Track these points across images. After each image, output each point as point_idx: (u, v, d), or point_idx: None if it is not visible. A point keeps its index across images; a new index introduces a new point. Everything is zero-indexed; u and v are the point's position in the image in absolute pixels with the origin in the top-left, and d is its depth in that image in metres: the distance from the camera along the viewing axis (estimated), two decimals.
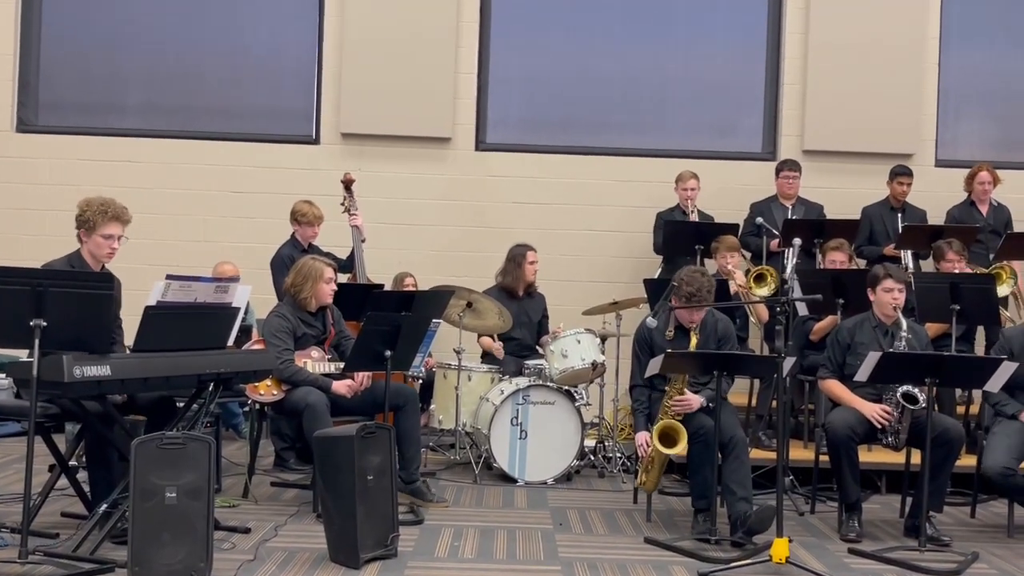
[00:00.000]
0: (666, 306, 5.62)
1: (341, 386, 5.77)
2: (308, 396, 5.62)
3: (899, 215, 8.09)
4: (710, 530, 5.19)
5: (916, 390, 5.31)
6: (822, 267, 7.18)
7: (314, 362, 5.85)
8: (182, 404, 5.13)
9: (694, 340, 5.52)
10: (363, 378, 5.85)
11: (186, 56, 9.21)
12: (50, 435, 5.04)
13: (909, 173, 8.21)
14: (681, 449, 5.35)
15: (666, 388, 5.47)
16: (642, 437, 5.54)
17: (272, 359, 5.38)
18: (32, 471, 4.26)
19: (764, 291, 7.10)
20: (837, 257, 7.01)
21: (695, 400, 5.42)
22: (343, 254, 7.09)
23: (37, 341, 4.15)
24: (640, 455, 5.64)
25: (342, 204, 7.34)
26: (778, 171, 8.34)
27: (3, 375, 6.64)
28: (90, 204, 4.94)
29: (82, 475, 5.20)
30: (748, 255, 7.96)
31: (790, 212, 8.15)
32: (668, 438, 5.37)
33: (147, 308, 4.50)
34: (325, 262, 6.06)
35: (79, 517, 5.10)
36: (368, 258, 7.37)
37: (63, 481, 5.11)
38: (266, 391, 5.71)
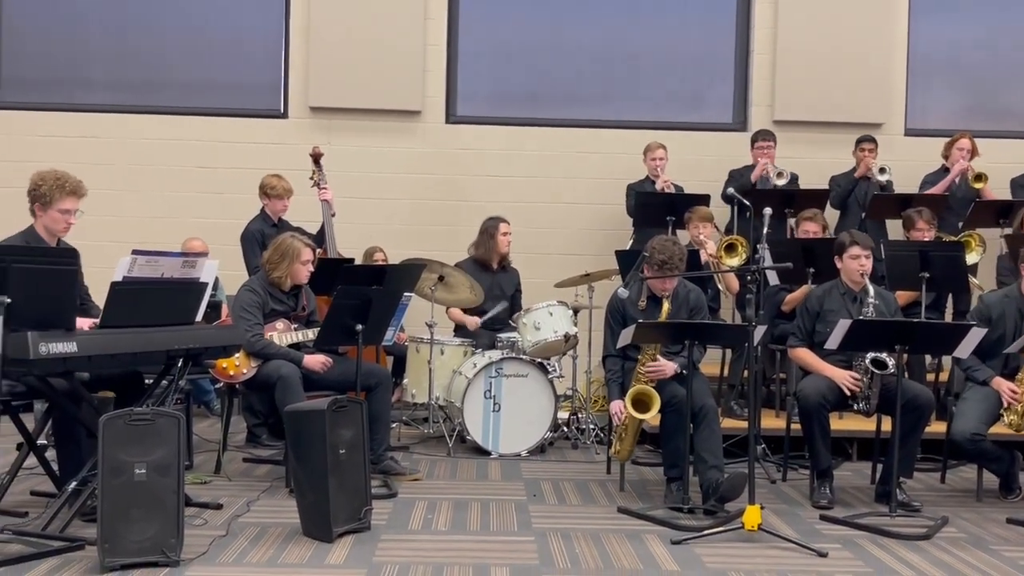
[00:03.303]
0: (638, 276, 5.62)
1: (314, 362, 5.74)
2: (280, 369, 5.58)
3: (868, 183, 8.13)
4: (683, 499, 5.21)
5: (885, 355, 5.35)
6: (795, 236, 7.20)
7: (280, 333, 5.81)
8: (151, 381, 5.09)
9: (666, 307, 5.53)
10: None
11: (151, 30, 9.07)
12: (18, 414, 4.99)
13: (873, 140, 8.24)
14: (654, 415, 5.36)
15: (639, 356, 5.47)
16: (616, 406, 5.55)
17: (241, 334, 5.34)
18: None
19: (735, 261, 7.11)
20: (811, 228, 7.02)
21: (669, 367, 5.43)
22: (313, 228, 7.03)
23: (1, 318, 4.09)
24: (614, 424, 5.65)
25: (311, 178, 7.28)
26: (753, 141, 8.35)
27: None
28: (45, 178, 4.86)
29: (51, 454, 5.16)
30: (720, 227, 7.98)
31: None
32: (641, 404, 5.37)
33: (113, 284, 4.43)
34: (304, 242, 5.98)
35: (48, 495, 5.05)
36: (338, 232, 7.32)
37: (32, 460, 5.07)
38: (235, 371, 5.66)
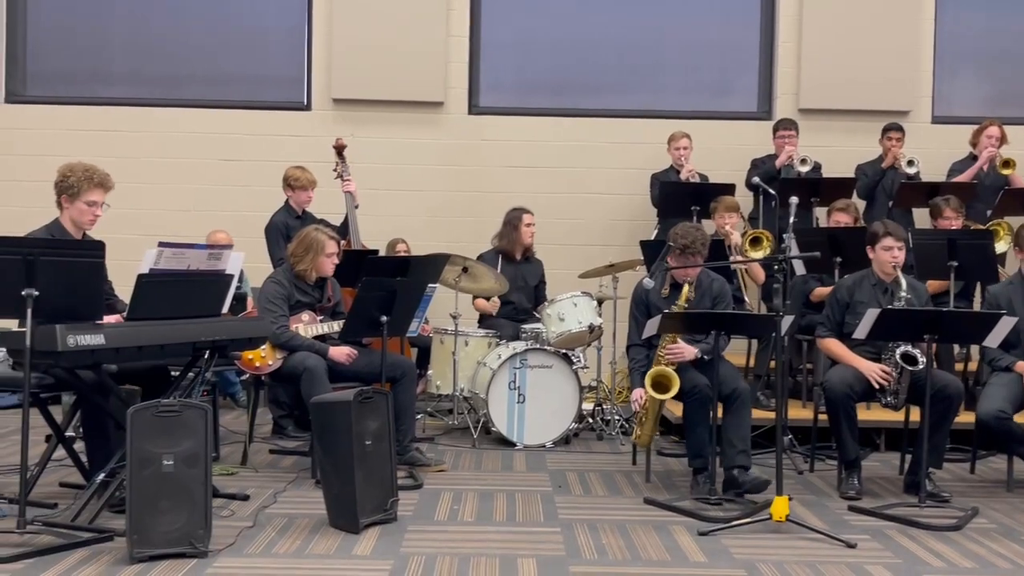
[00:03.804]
0: (663, 266, 5.59)
1: (339, 354, 5.74)
2: (306, 360, 5.59)
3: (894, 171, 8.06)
4: (710, 490, 5.19)
5: (915, 350, 5.30)
6: (824, 226, 7.15)
7: (305, 325, 5.83)
8: (176, 374, 5.11)
9: (685, 291, 5.48)
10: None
11: (174, 23, 9.11)
12: (46, 406, 5.02)
13: (899, 129, 8.17)
14: (673, 395, 5.34)
15: (660, 340, 5.46)
16: (637, 393, 5.54)
17: (267, 326, 5.35)
18: (28, 442, 4.25)
19: (759, 255, 7.07)
20: (842, 219, 6.96)
21: (688, 350, 5.41)
22: (336, 220, 7.04)
23: (30, 311, 4.12)
24: (634, 410, 5.64)
25: (334, 170, 7.29)
26: (775, 130, 8.29)
27: None
28: (73, 170, 4.88)
29: (79, 445, 5.19)
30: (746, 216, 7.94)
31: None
32: (661, 386, 5.37)
33: (140, 276, 4.45)
34: (329, 234, 5.99)
35: (77, 487, 5.08)
36: (362, 224, 7.33)
37: (61, 451, 5.09)
38: (261, 363, 5.68)
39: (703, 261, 5.55)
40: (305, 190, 7.16)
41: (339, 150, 7.29)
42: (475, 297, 7.52)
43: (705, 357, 5.38)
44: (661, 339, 5.46)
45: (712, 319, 5.28)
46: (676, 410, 6.14)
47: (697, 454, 5.38)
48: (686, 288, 5.51)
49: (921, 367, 5.25)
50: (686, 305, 5.45)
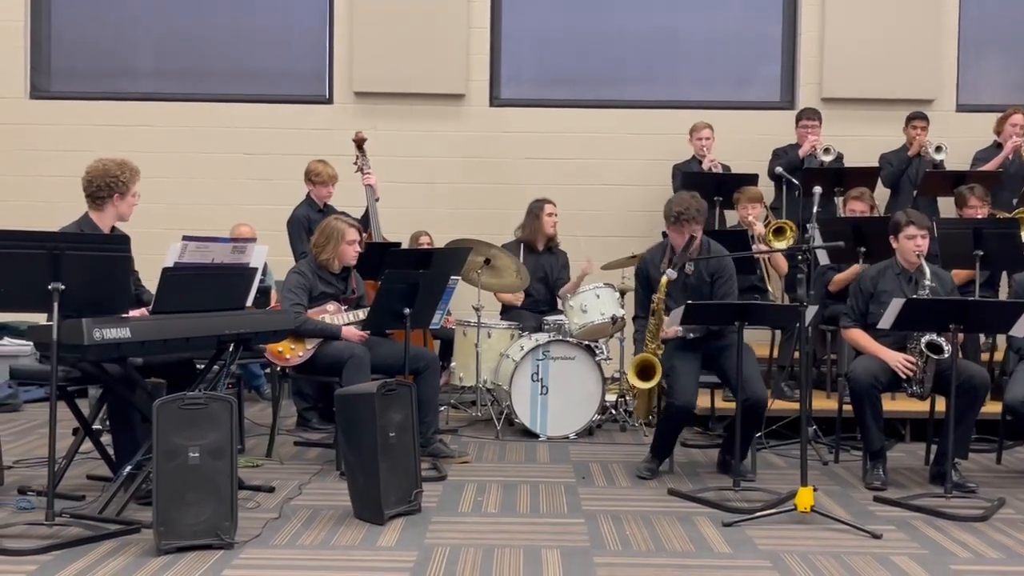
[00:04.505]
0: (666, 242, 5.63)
1: (351, 334, 5.76)
2: (353, 349, 5.64)
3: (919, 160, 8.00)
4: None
5: (940, 339, 5.27)
6: (843, 215, 7.12)
7: (330, 315, 5.86)
8: (201, 367, 5.14)
9: (663, 280, 5.43)
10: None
11: (197, 18, 9.15)
12: (73, 399, 5.06)
13: (924, 117, 8.11)
14: (656, 382, 5.40)
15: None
16: None
17: (291, 318, 5.37)
18: (56, 435, 4.28)
19: (782, 245, 7.04)
20: (858, 207, 6.93)
21: (671, 331, 5.44)
22: (358, 213, 7.06)
23: (56, 304, 4.15)
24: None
25: (355, 163, 7.32)
26: (798, 120, 8.25)
27: (23, 340, 6.70)
28: (120, 167, 4.93)
29: (106, 438, 5.23)
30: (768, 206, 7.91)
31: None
32: (646, 372, 5.42)
33: (164, 270, 4.48)
34: (348, 223, 6.04)
35: (104, 479, 5.13)
36: (384, 217, 7.35)
37: (88, 444, 5.13)
38: (291, 355, 5.71)
39: (700, 230, 5.50)
40: (326, 185, 7.18)
41: (359, 143, 7.31)
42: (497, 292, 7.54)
43: (689, 335, 5.40)
44: (649, 319, 5.49)
45: (735, 310, 5.25)
46: (703, 402, 6.14)
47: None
48: (670, 274, 5.42)
49: (946, 355, 5.22)
50: (664, 296, 5.45)
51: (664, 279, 5.43)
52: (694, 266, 5.55)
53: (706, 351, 5.53)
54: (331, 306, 5.89)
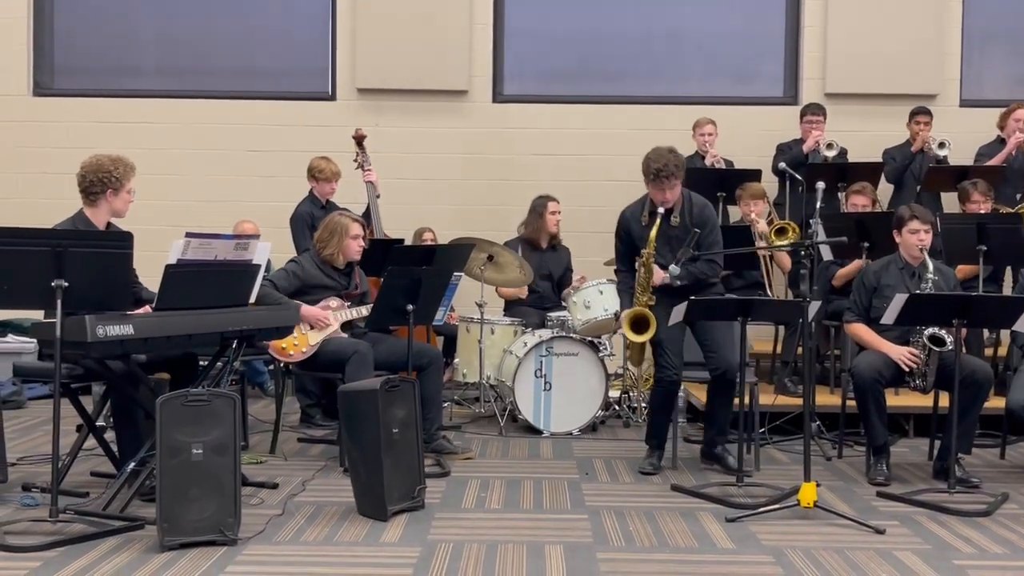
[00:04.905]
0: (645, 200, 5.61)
1: (311, 313, 5.73)
2: (358, 345, 5.66)
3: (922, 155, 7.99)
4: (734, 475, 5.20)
5: (943, 332, 5.26)
6: (845, 211, 7.11)
7: (334, 311, 5.86)
8: (205, 363, 5.15)
9: (658, 223, 5.41)
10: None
11: (200, 15, 9.16)
12: (77, 396, 5.07)
13: (927, 113, 8.10)
14: (651, 335, 5.41)
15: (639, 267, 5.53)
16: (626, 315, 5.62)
17: (295, 315, 5.37)
18: (59, 432, 4.28)
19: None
20: (859, 201, 6.93)
21: (658, 275, 5.47)
22: (359, 210, 7.06)
23: (60, 302, 4.16)
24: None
25: (355, 160, 7.32)
26: (802, 115, 8.24)
27: (26, 337, 6.71)
28: (114, 163, 4.93)
29: (110, 435, 5.24)
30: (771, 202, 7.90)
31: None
32: (639, 325, 5.44)
33: (167, 267, 4.49)
34: (352, 217, 6.05)
35: (108, 476, 5.13)
36: (388, 213, 7.35)
37: (92, 441, 5.14)
38: (295, 351, 5.71)
39: (680, 184, 5.49)
40: (329, 182, 7.19)
41: (359, 140, 7.33)
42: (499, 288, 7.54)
43: (677, 282, 5.41)
44: (639, 267, 5.51)
45: (738, 305, 5.25)
46: (701, 396, 6.13)
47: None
48: (658, 221, 5.41)
49: (949, 348, 5.21)
50: (653, 251, 5.45)
51: (653, 231, 5.42)
52: (679, 217, 5.52)
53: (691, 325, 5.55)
54: (334, 301, 5.90)
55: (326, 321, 5.78)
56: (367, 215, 7.16)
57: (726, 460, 5.59)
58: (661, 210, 5.44)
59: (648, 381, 7.84)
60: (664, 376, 5.52)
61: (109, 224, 5.01)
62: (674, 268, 5.43)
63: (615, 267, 5.87)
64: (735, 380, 5.38)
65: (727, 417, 5.63)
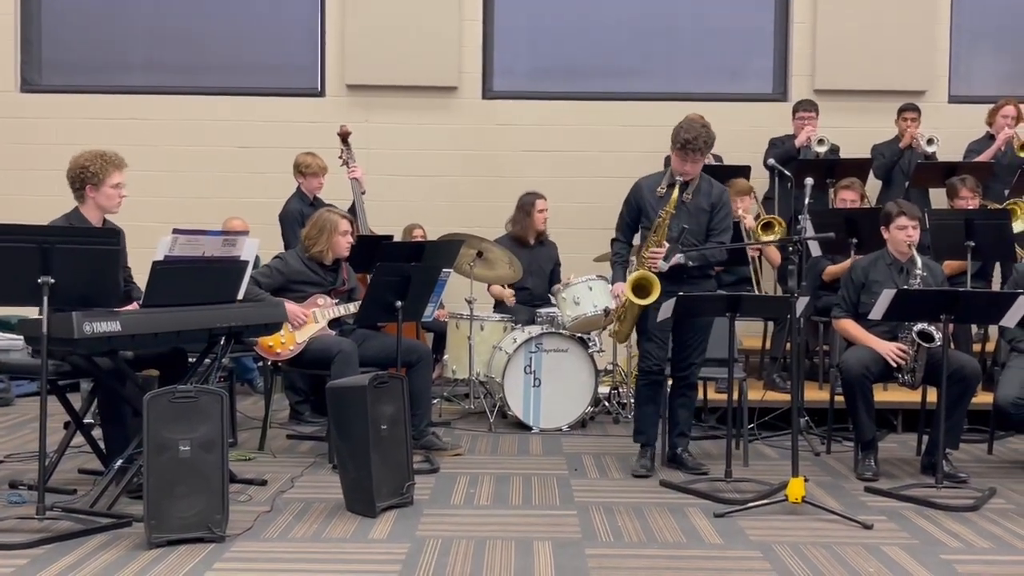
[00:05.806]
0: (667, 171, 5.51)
1: (294, 309, 5.71)
2: (341, 344, 5.65)
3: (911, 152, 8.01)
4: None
5: (931, 328, 5.28)
6: (834, 206, 7.13)
7: (321, 309, 5.85)
8: (194, 360, 5.14)
9: (674, 195, 5.29)
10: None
11: (189, 11, 9.12)
12: (64, 393, 5.05)
13: (915, 109, 8.11)
14: (653, 299, 5.33)
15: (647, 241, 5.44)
16: (618, 288, 5.54)
17: (283, 312, 5.35)
18: (46, 429, 4.27)
19: (771, 239, 7.05)
20: (848, 196, 6.96)
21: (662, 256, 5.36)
22: (345, 207, 7.05)
23: (46, 298, 4.15)
24: (615, 306, 5.68)
25: (340, 157, 7.31)
26: (795, 111, 8.25)
27: (13, 334, 6.68)
28: (90, 159, 4.91)
29: (97, 432, 5.22)
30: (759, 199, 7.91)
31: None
32: (642, 289, 5.36)
33: (155, 263, 4.47)
34: (341, 214, 6.04)
35: (95, 473, 5.11)
36: (377, 210, 7.35)
37: (79, 438, 5.12)
38: (281, 349, 5.70)
39: (703, 162, 5.39)
40: (316, 176, 7.19)
41: (344, 137, 7.32)
42: (490, 285, 7.52)
43: (690, 263, 5.34)
44: (645, 241, 5.43)
45: (726, 301, 5.25)
46: (711, 394, 6.16)
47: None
48: (675, 193, 5.30)
49: (937, 343, 5.23)
50: (673, 211, 5.30)
51: (675, 193, 5.26)
52: (693, 193, 5.42)
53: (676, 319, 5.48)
54: (321, 300, 5.89)
55: (303, 319, 5.77)
56: (352, 212, 7.15)
57: (686, 462, 5.56)
58: (680, 179, 5.33)
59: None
60: (646, 366, 5.51)
61: (106, 221, 4.99)
62: (680, 256, 5.37)
63: (613, 236, 5.73)
64: (695, 383, 5.50)
65: (688, 419, 5.64)
